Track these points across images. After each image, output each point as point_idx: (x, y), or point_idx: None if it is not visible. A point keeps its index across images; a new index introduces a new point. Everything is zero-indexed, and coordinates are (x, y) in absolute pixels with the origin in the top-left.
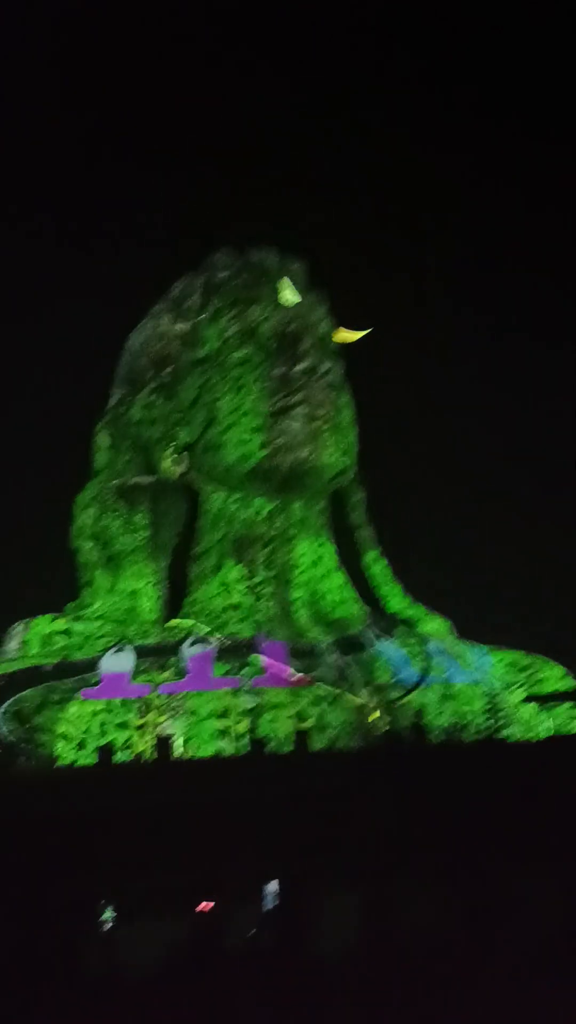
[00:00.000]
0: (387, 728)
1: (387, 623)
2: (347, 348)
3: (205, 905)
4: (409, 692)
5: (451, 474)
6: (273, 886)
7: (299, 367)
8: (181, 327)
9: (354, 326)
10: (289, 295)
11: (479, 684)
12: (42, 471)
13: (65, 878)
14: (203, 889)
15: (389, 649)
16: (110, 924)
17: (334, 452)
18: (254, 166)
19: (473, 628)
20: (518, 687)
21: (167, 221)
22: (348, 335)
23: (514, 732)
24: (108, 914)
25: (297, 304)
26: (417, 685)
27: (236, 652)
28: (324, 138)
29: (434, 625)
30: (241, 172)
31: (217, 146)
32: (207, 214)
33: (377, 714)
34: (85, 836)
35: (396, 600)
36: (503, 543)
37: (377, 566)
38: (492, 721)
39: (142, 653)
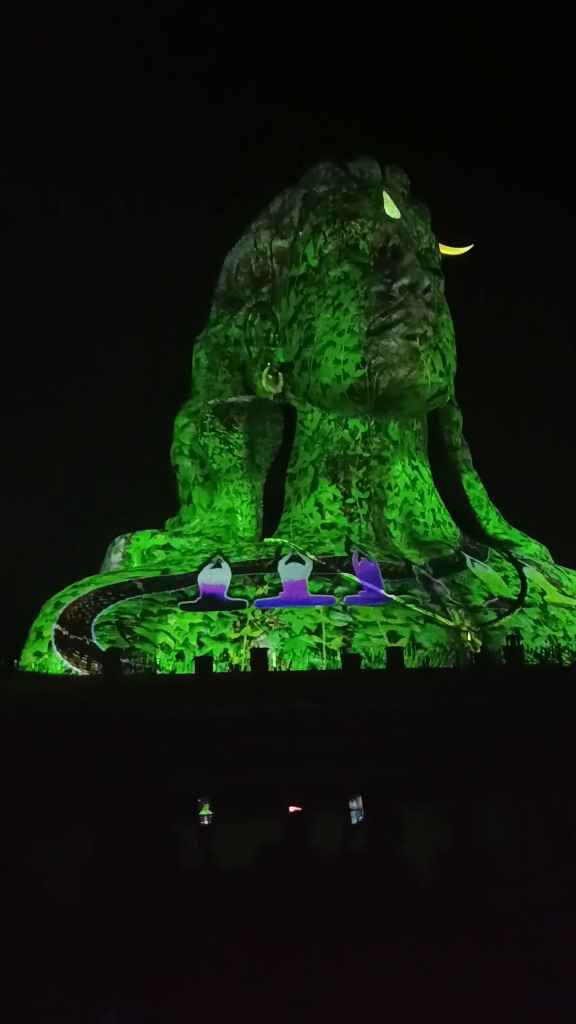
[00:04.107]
0: (481, 650)
1: (482, 546)
2: (449, 265)
3: (294, 809)
4: (504, 615)
5: (552, 395)
6: (358, 802)
7: (398, 284)
8: (279, 244)
9: (458, 241)
10: (388, 210)
11: None
12: (144, 389)
13: (167, 776)
14: (294, 796)
15: (484, 572)
16: (207, 820)
17: (432, 372)
18: (355, 70)
19: (570, 554)
20: None
21: (266, 133)
22: (451, 250)
23: None
24: (206, 811)
25: (399, 218)
26: (512, 608)
27: (330, 571)
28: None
29: (531, 549)
30: (342, 78)
31: (317, 52)
32: (306, 125)
33: (471, 636)
34: (185, 739)
35: (493, 523)
36: None
37: (474, 489)
38: None
39: (238, 569)
